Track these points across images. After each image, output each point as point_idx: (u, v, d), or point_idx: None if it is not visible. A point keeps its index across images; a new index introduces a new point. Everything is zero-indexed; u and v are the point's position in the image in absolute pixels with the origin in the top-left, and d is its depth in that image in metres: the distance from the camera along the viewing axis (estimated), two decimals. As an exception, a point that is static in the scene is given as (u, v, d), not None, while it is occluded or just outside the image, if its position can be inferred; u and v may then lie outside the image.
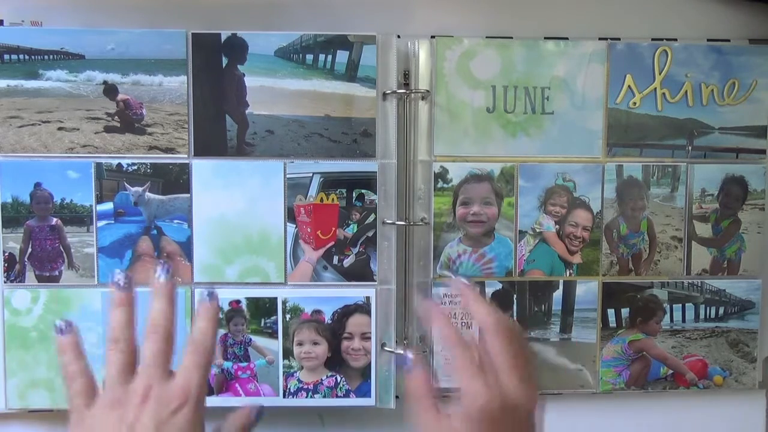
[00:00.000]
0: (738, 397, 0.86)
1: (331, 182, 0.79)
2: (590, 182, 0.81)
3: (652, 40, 0.82)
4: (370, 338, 0.79)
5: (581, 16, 0.83)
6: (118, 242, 0.78)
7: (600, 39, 0.81)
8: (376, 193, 0.79)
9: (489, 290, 0.81)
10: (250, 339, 0.79)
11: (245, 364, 0.79)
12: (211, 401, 0.79)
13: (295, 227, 0.79)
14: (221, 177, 0.78)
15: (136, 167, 0.78)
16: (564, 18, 0.82)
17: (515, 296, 0.82)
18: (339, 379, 0.79)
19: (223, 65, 0.77)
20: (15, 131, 0.77)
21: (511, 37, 0.81)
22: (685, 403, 0.85)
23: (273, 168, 0.78)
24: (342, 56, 0.78)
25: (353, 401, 0.80)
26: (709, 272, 0.84)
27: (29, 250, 0.78)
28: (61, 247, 0.78)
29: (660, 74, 0.81)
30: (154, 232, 0.78)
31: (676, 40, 0.82)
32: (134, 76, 0.77)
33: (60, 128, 0.77)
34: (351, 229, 0.79)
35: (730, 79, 0.82)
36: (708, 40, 0.83)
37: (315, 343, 0.79)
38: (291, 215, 0.79)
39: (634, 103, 0.81)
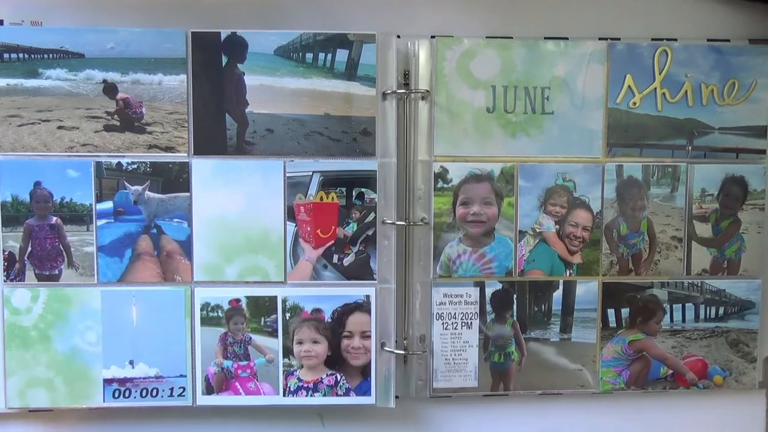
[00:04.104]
0: (738, 397, 0.86)
1: (330, 181, 0.79)
2: (590, 182, 0.81)
3: (652, 40, 0.82)
4: (370, 337, 0.79)
5: (581, 16, 0.83)
6: (118, 241, 0.78)
7: (600, 39, 0.81)
8: (375, 192, 0.79)
9: (489, 290, 0.81)
10: (250, 338, 0.79)
11: (245, 362, 0.79)
12: (212, 400, 0.79)
13: (295, 226, 0.79)
14: (221, 176, 0.78)
15: (135, 166, 0.78)
16: (564, 18, 0.82)
17: (515, 296, 0.82)
18: (339, 377, 0.79)
19: (223, 64, 0.77)
20: (15, 130, 0.77)
21: (511, 37, 0.81)
22: (685, 403, 0.85)
23: (273, 167, 0.78)
24: (342, 55, 0.78)
25: (353, 400, 0.80)
26: (709, 272, 0.83)
27: (29, 249, 0.78)
28: (60, 246, 0.78)
29: (660, 74, 0.81)
30: (154, 231, 0.78)
31: (676, 40, 0.82)
32: (134, 75, 0.77)
33: (60, 127, 0.77)
34: (351, 228, 0.79)
35: (730, 79, 0.82)
36: (708, 40, 0.83)
37: (315, 342, 0.79)
38: (291, 214, 0.79)
39: (634, 103, 0.81)
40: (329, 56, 0.78)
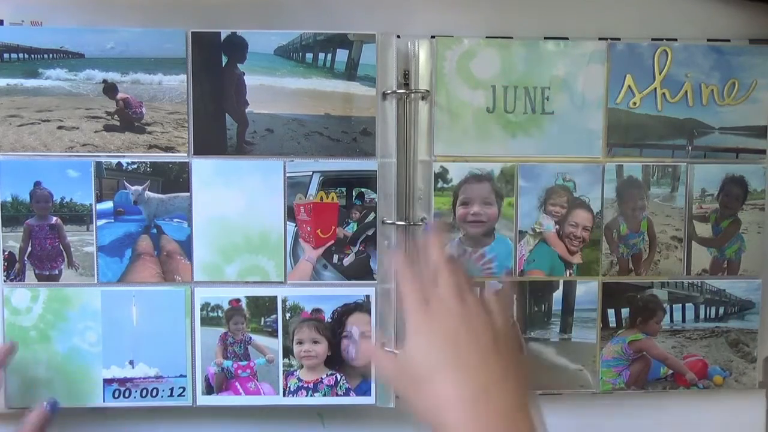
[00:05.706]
0: (738, 397, 0.86)
1: (330, 181, 0.79)
2: (590, 182, 0.81)
3: (652, 40, 0.82)
4: (370, 337, 0.79)
5: (581, 16, 0.83)
6: (118, 241, 0.78)
7: (600, 39, 0.81)
8: (375, 192, 0.79)
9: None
10: (250, 338, 0.79)
11: (245, 362, 0.79)
12: (212, 400, 0.79)
13: (295, 226, 0.79)
14: (221, 176, 0.78)
15: (135, 166, 0.78)
16: (564, 18, 0.83)
17: (515, 296, 0.81)
18: (339, 377, 0.79)
19: (223, 64, 0.77)
20: (15, 130, 0.77)
21: (511, 37, 0.81)
22: (685, 403, 0.85)
23: (273, 167, 0.78)
24: (342, 55, 0.78)
25: (353, 400, 0.80)
26: (709, 272, 0.83)
27: (29, 249, 0.78)
28: (60, 246, 0.78)
29: (660, 74, 0.81)
30: (154, 231, 0.78)
31: (676, 40, 0.82)
32: (134, 75, 0.77)
33: (60, 127, 0.77)
34: (351, 228, 0.79)
35: (730, 79, 0.82)
36: (708, 40, 0.83)
37: (315, 342, 0.79)
38: (291, 214, 0.79)
39: (634, 103, 0.81)
40: (329, 56, 0.78)
